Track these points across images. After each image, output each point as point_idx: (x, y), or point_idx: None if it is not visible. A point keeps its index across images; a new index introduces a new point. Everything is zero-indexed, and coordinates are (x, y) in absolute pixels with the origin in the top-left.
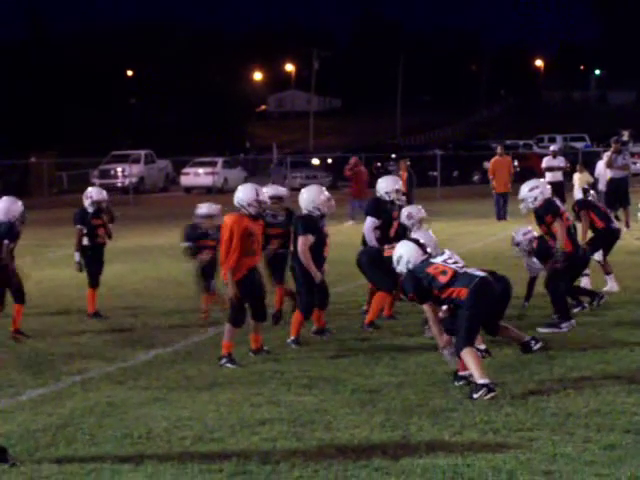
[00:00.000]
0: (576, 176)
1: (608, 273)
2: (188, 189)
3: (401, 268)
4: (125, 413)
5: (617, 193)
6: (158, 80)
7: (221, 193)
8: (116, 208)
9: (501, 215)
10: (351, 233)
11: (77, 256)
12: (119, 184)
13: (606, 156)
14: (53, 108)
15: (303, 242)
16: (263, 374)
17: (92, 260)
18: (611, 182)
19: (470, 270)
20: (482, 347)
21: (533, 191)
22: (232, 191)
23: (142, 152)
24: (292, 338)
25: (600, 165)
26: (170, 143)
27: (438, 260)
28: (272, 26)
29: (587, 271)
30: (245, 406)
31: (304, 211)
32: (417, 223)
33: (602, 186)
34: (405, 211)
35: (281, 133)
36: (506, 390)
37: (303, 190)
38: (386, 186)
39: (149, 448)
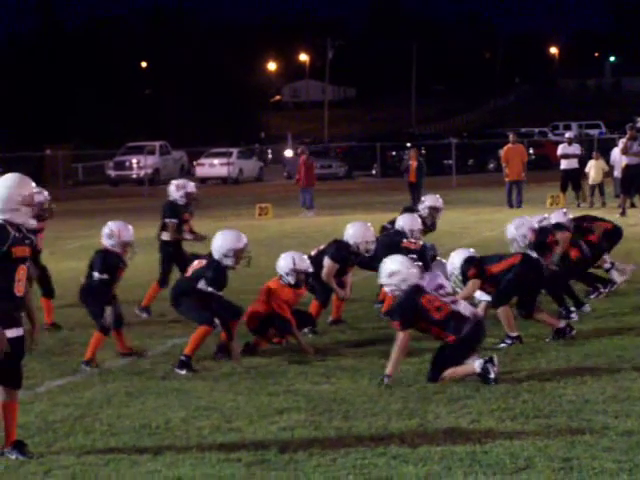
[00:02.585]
0: (591, 163)
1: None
2: (203, 180)
3: (390, 281)
4: (143, 403)
5: (633, 179)
6: (173, 71)
7: (236, 184)
8: (131, 199)
9: (513, 203)
10: (344, 222)
11: (188, 236)
12: (134, 175)
13: (621, 143)
14: (68, 100)
15: (329, 268)
16: (280, 364)
17: (170, 257)
18: (626, 169)
19: (462, 309)
20: (514, 334)
21: (520, 229)
22: (247, 182)
23: (157, 143)
24: (308, 327)
25: (615, 152)
26: (185, 134)
27: (430, 290)
28: (286, 16)
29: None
30: (263, 395)
31: (346, 240)
32: (426, 209)
33: (617, 173)
34: (423, 198)
35: (296, 123)
36: (523, 377)
37: (349, 225)
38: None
39: (167, 438)
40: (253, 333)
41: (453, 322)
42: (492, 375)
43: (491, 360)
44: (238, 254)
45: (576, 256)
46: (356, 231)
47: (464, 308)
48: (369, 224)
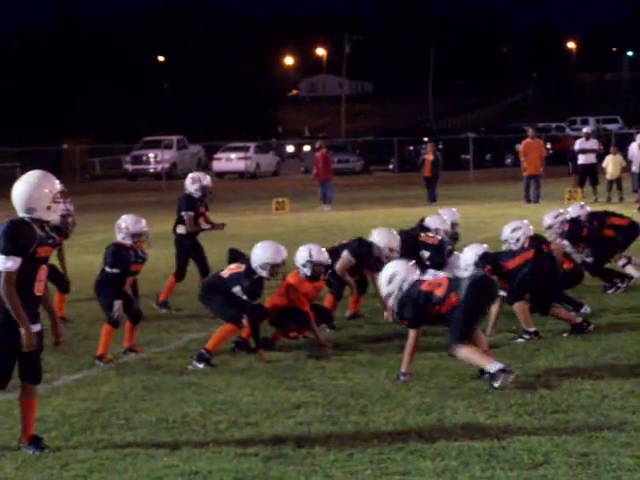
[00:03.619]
0: (609, 158)
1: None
2: (220, 174)
3: (392, 287)
4: (160, 398)
5: None
6: (190, 65)
7: (253, 178)
8: (148, 194)
9: (530, 198)
10: (361, 216)
11: (206, 226)
12: (151, 170)
13: (639, 137)
14: (85, 94)
15: (345, 261)
16: (297, 358)
17: (186, 250)
18: None
19: (460, 274)
20: (531, 329)
21: (515, 232)
22: (264, 176)
23: (174, 137)
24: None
25: (633, 147)
26: (202, 128)
27: (428, 277)
28: (303, 10)
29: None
30: (280, 390)
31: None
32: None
33: (635, 167)
34: (441, 210)
35: (313, 118)
36: (541, 372)
37: (374, 231)
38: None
39: (184, 433)
40: (272, 325)
41: (452, 284)
42: (497, 384)
43: (508, 372)
44: (274, 268)
45: (569, 268)
46: (381, 237)
47: (463, 273)
48: (395, 231)
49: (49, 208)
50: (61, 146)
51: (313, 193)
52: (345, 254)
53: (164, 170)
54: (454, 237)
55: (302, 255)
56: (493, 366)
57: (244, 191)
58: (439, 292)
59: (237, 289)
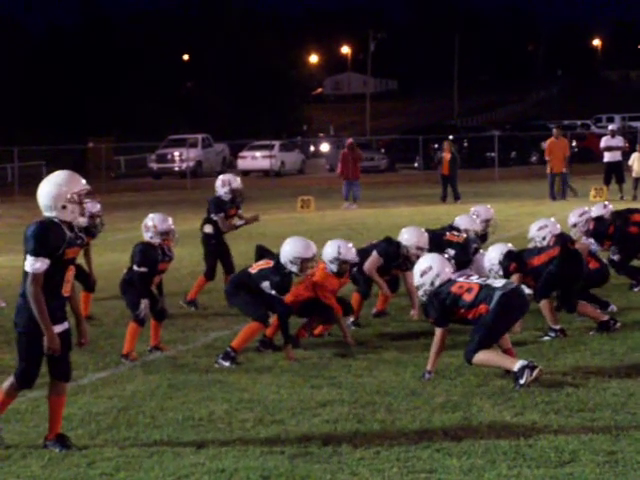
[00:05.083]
0: (634, 156)
1: None
2: (245, 172)
3: (424, 280)
4: (186, 396)
5: None
6: (214, 64)
7: (278, 176)
8: (173, 192)
9: (555, 195)
10: (387, 214)
11: (239, 222)
12: (176, 168)
13: None
14: (110, 93)
15: (373, 261)
16: (323, 356)
17: (213, 249)
18: None
19: (492, 282)
20: (557, 327)
21: (542, 230)
22: (289, 174)
23: (199, 136)
24: (351, 320)
25: None
26: (227, 126)
27: (461, 279)
28: (327, 8)
29: None
30: (305, 388)
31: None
32: (483, 223)
33: None
34: (474, 209)
35: (338, 116)
36: (567, 370)
37: (404, 229)
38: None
39: (210, 431)
40: (298, 315)
41: (484, 292)
42: (522, 381)
43: (532, 367)
44: (304, 263)
45: (595, 267)
46: (410, 235)
47: (495, 282)
48: (424, 230)
49: (64, 207)
50: (86, 145)
51: (338, 191)
52: (374, 254)
53: (189, 169)
54: (483, 236)
55: (330, 252)
56: (516, 364)
57: (269, 189)
58: (468, 297)
59: (265, 284)
